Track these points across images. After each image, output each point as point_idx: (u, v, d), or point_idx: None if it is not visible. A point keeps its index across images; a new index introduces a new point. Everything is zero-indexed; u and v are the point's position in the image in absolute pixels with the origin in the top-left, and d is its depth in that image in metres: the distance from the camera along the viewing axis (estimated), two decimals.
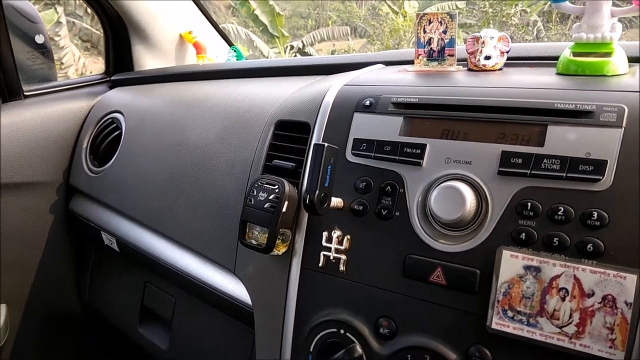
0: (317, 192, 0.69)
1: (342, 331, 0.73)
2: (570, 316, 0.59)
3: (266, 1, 10.41)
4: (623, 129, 0.62)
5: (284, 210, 0.77)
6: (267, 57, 10.74)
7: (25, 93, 1.35)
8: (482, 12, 12.82)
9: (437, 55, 0.91)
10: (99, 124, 1.35)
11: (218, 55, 1.60)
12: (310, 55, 11.68)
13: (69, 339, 1.51)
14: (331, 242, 0.76)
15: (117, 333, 1.35)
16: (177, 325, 1.15)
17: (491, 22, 12.61)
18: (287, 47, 11.53)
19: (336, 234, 0.76)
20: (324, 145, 0.69)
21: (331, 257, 0.76)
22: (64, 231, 1.40)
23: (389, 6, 12.97)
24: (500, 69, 0.87)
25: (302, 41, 12.21)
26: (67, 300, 1.47)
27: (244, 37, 10.84)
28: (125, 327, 1.31)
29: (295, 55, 11.59)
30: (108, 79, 1.52)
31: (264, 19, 10.60)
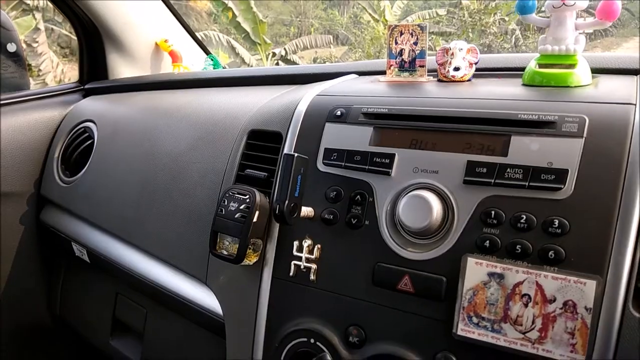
0: (287, 202, 0.69)
1: (312, 340, 0.73)
2: (533, 322, 0.60)
3: (249, 8, 10.41)
4: (584, 139, 0.63)
5: (254, 220, 0.77)
6: (249, 64, 10.74)
7: None
8: (462, 21, 13.04)
9: (409, 66, 0.93)
10: (71, 133, 1.33)
11: (194, 63, 1.59)
12: (293, 62, 11.71)
13: (40, 351, 1.48)
14: (302, 252, 0.76)
15: (89, 345, 1.33)
16: (149, 337, 1.14)
17: (470, 30, 12.82)
18: (269, 54, 11.53)
19: (307, 243, 0.76)
20: (293, 155, 0.69)
21: (302, 267, 0.76)
22: (35, 242, 1.37)
23: (370, 14, 13.10)
24: (469, 80, 0.89)
25: (285, 48, 12.24)
26: (38, 312, 1.44)
27: (226, 44, 10.84)
28: (96, 339, 1.29)
29: (277, 63, 11.61)
30: (82, 87, 1.50)
31: (246, 26, 10.60)
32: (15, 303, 1.38)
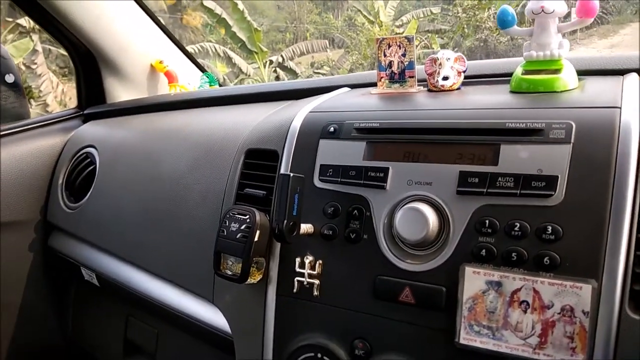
0: (286, 221, 0.71)
1: (319, 355, 0.74)
2: (533, 327, 0.62)
3: (243, 18, 10.47)
4: (572, 144, 0.64)
5: (256, 239, 0.78)
6: (247, 73, 10.79)
7: None
8: (456, 18, 13.06)
9: (398, 77, 0.94)
10: (73, 160, 1.35)
11: (190, 82, 1.61)
12: (290, 69, 11.76)
13: None
14: (304, 268, 0.77)
15: None
16: (161, 357, 1.16)
17: (465, 26, 12.84)
18: (266, 62, 11.58)
19: (308, 259, 0.77)
20: (289, 175, 0.71)
21: (305, 283, 0.77)
22: (44, 268, 1.40)
23: (365, 16, 13.14)
24: (458, 88, 0.90)
25: (282, 55, 12.28)
26: (50, 336, 1.46)
27: (222, 55, 10.89)
28: None
29: (275, 70, 11.66)
30: (81, 112, 1.53)
31: (242, 35, 10.65)
32: (29, 328, 1.41)
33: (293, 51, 12.42)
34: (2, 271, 1.32)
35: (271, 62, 11.81)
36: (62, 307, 1.46)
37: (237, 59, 10.98)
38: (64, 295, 1.45)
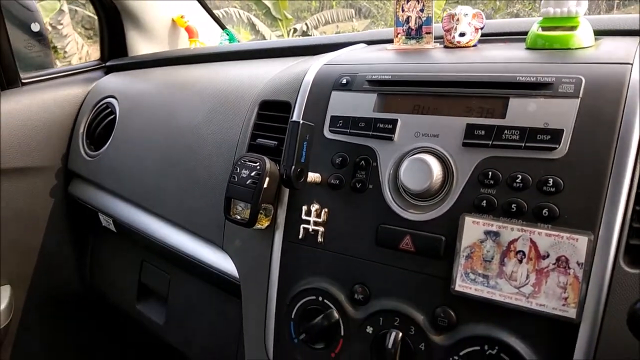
0: (294, 167, 0.72)
1: (320, 298, 0.77)
2: (527, 277, 0.63)
3: None
4: (580, 99, 0.64)
5: (265, 186, 0.80)
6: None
7: (23, 80, 1.39)
8: None
9: (415, 33, 0.94)
10: (94, 109, 1.39)
11: (210, 38, 1.62)
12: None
13: (71, 317, 1.58)
14: (310, 215, 0.80)
15: (117, 310, 1.42)
16: (173, 300, 1.21)
17: None
18: (290, 30, 11.43)
19: (315, 207, 0.80)
20: (299, 122, 0.72)
21: (310, 230, 0.80)
22: (64, 213, 1.45)
23: None
24: (474, 45, 0.89)
25: (306, 24, 12.09)
26: (68, 279, 1.53)
27: (246, 21, 10.78)
28: (124, 304, 1.37)
29: None
30: (103, 64, 1.56)
31: (267, 1, 10.50)
32: (47, 271, 1.47)
33: (318, 20, 12.21)
34: (24, 216, 1.38)
35: (295, 30, 11.64)
36: (81, 252, 1.52)
37: (261, 26, 10.85)
38: (82, 240, 1.51)
